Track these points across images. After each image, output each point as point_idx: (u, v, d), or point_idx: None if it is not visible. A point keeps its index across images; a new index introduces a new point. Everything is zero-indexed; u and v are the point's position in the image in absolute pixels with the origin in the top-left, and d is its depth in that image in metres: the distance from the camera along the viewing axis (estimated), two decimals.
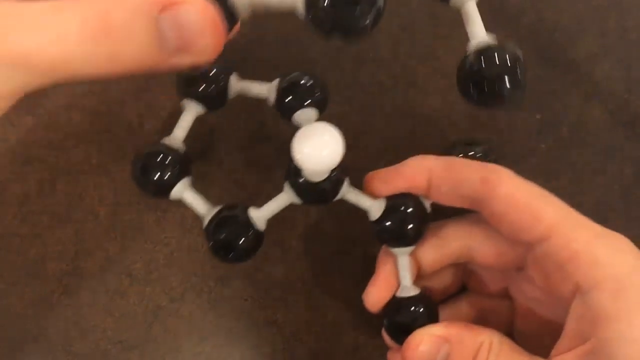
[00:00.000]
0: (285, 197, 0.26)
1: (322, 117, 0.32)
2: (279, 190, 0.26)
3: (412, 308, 0.26)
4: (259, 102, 0.29)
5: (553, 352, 0.24)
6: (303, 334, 0.31)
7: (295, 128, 0.22)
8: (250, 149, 0.32)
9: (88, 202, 0.32)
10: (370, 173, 0.27)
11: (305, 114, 0.27)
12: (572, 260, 0.23)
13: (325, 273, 0.31)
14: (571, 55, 0.33)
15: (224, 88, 0.28)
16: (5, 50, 0.18)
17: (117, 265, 0.31)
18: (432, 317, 0.26)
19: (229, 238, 0.25)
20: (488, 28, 0.25)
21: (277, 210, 0.26)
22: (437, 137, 0.33)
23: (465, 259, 0.27)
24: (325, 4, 0.18)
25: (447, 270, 0.28)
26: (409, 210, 0.26)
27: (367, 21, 0.18)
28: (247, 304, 0.31)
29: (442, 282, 0.29)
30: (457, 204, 0.26)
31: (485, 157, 0.28)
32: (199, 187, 0.30)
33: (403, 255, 0.26)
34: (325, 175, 0.24)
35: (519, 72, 0.22)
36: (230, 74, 0.28)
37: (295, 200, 0.25)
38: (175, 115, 0.28)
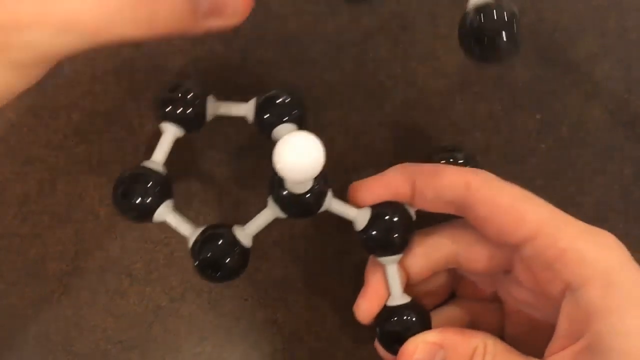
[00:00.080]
0: (269, 212, 0.25)
1: (322, 118, 0.32)
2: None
3: (404, 316, 0.26)
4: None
5: (547, 352, 0.24)
6: (303, 334, 0.31)
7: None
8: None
9: (88, 202, 0.32)
10: (354, 183, 0.27)
11: (284, 130, 0.27)
12: (559, 258, 0.23)
13: (325, 273, 0.31)
14: (571, 55, 0.33)
15: (202, 110, 0.28)
16: (52, 14, 0.19)
17: (117, 265, 0.31)
18: (424, 325, 0.26)
19: (215, 257, 0.25)
20: None
21: (262, 226, 0.26)
22: (437, 137, 0.33)
23: (453, 264, 0.27)
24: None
25: (435, 277, 0.28)
26: (395, 218, 0.26)
27: None
28: (247, 303, 0.31)
29: (431, 289, 0.29)
30: (442, 209, 0.26)
31: (467, 163, 0.28)
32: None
33: (391, 264, 0.26)
34: (309, 186, 0.24)
35: (515, 27, 0.23)
36: (207, 95, 0.28)
37: (280, 214, 0.25)
38: None
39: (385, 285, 0.27)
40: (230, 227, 0.26)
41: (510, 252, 0.25)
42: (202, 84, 0.28)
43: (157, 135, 0.28)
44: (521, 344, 0.24)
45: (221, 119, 0.29)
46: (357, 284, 0.28)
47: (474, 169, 0.26)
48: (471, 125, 0.33)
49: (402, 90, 0.33)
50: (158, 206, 0.26)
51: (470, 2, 0.23)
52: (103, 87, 0.32)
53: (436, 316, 0.28)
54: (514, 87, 0.33)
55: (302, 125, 0.28)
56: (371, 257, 0.28)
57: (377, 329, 0.27)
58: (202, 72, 0.33)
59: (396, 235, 0.26)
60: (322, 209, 0.25)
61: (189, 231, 0.26)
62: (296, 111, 0.28)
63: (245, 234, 0.26)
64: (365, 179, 0.27)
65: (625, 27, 0.33)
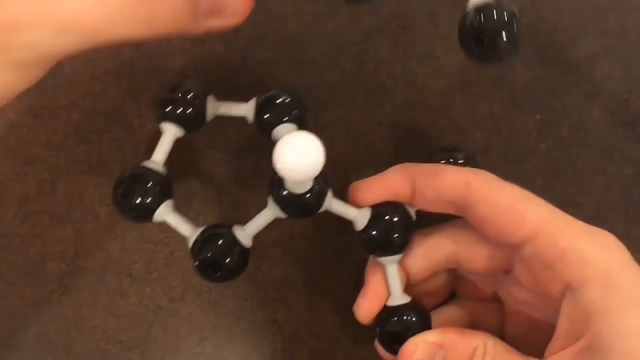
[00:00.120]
0: (269, 212, 0.25)
1: (322, 118, 0.32)
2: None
3: (405, 316, 0.26)
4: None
5: (547, 352, 0.24)
6: (303, 334, 0.31)
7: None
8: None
9: (88, 202, 0.32)
10: (354, 183, 0.27)
11: (284, 130, 0.27)
12: (559, 258, 0.23)
13: (325, 273, 0.31)
14: (571, 55, 0.33)
15: (202, 110, 0.28)
16: (52, 14, 0.19)
17: (117, 265, 0.31)
18: (424, 325, 0.26)
19: (215, 257, 0.25)
20: None
21: (262, 226, 0.26)
22: (437, 137, 0.33)
23: (453, 264, 0.27)
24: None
25: (435, 277, 0.28)
26: (394, 218, 0.26)
27: None
28: (247, 303, 0.31)
29: (431, 289, 0.29)
30: (442, 210, 0.26)
31: (467, 163, 0.28)
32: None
33: (391, 264, 0.26)
34: (309, 186, 0.24)
35: (515, 27, 0.23)
36: (207, 95, 0.28)
37: (280, 214, 0.25)
38: None
39: (385, 285, 0.27)
40: (230, 227, 0.26)
41: (510, 252, 0.25)
42: (202, 84, 0.28)
43: (157, 135, 0.28)
44: (521, 344, 0.24)
45: (221, 119, 0.29)
46: (357, 284, 0.28)
47: (474, 169, 0.26)
48: (471, 125, 0.33)
49: (402, 90, 0.33)
50: (158, 206, 0.26)
51: (470, 2, 0.23)
52: (103, 87, 0.32)
53: (436, 316, 0.28)
54: (514, 87, 0.33)
55: (302, 125, 0.28)
56: (371, 257, 0.28)
57: (377, 329, 0.27)
58: (202, 72, 0.33)
59: (396, 235, 0.26)
60: (322, 209, 0.25)
61: (189, 231, 0.26)
62: (296, 111, 0.28)
63: (245, 234, 0.26)
64: (365, 179, 0.27)
65: (625, 27, 0.33)
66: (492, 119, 0.33)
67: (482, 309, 0.29)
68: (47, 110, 0.32)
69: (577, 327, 0.22)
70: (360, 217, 0.26)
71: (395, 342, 0.26)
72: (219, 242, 0.25)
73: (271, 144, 0.21)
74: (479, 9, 0.23)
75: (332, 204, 0.26)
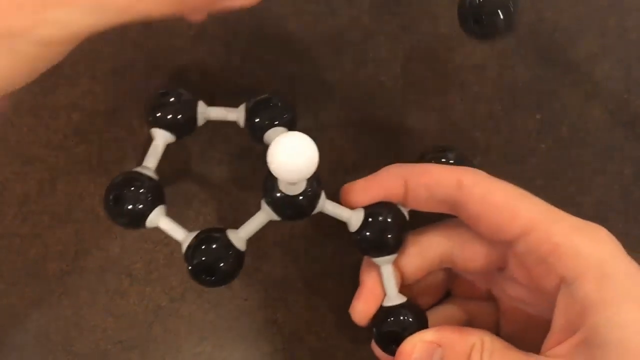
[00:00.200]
0: (263, 215, 0.25)
1: (322, 118, 0.32)
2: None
3: (401, 316, 0.26)
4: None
5: (544, 347, 0.24)
6: (303, 334, 0.31)
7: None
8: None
9: (88, 202, 0.32)
10: (346, 185, 0.27)
11: (275, 133, 0.27)
12: (553, 253, 0.23)
13: (325, 273, 0.31)
14: (571, 55, 0.33)
15: (192, 115, 0.28)
16: None
17: (117, 265, 0.31)
18: (421, 324, 0.26)
19: (209, 261, 0.25)
20: None
21: (256, 229, 0.26)
22: (437, 137, 0.33)
23: (448, 264, 0.27)
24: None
25: (430, 276, 0.28)
26: (388, 219, 0.26)
27: None
28: (247, 303, 0.31)
29: (426, 289, 0.29)
30: (435, 209, 0.26)
31: (458, 163, 0.28)
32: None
33: (386, 265, 0.26)
34: (302, 187, 0.24)
35: (511, 5, 0.25)
36: (198, 100, 0.28)
37: (273, 216, 0.25)
38: None
39: (380, 286, 0.27)
40: (224, 230, 0.26)
41: (504, 249, 0.26)
42: (192, 91, 0.28)
43: None
44: (517, 341, 0.24)
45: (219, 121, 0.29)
46: (356, 284, 0.28)
47: (466, 167, 0.26)
48: (471, 125, 0.33)
49: (402, 90, 0.33)
50: (150, 212, 0.26)
51: None
52: (103, 87, 0.32)
53: (432, 316, 0.28)
54: (514, 87, 0.33)
55: (293, 129, 0.28)
56: (365, 258, 0.28)
57: (374, 330, 0.27)
58: (202, 72, 0.33)
59: (390, 235, 0.26)
60: (316, 210, 0.25)
61: (183, 236, 0.26)
62: (287, 114, 0.28)
63: (239, 237, 0.26)
64: (357, 180, 0.27)
65: (625, 27, 0.33)
66: (492, 119, 0.33)
67: (477, 308, 0.29)
68: (47, 110, 0.32)
69: (573, 320, 0.22)
70: (354, 219, 0.26)
71: (392, 342, 0.26)
72: (213, 246, 0.25)
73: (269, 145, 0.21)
74: None
75: (326, 205, 0.26)
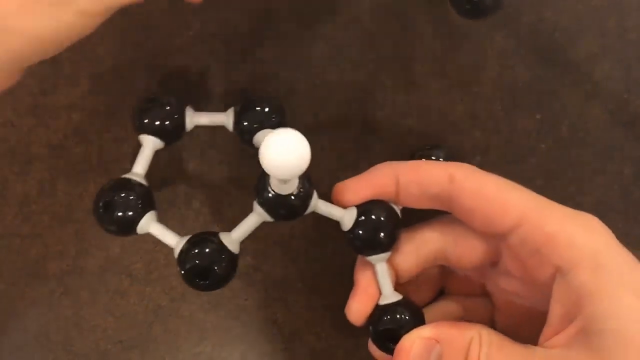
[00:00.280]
0: (255, 217, 0.25)
1: (322, 118, 0.32)
2: None
3: (398, 314, 0.26)
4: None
5: (541, 338, 0.24)
6: (303, 333, 0.31)
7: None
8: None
9: (88, 202, 0.32)
10: (338, 184, 0.27)
11: (264, 135, 0.27)
12: (547, 243, 0.23)
13: (325, 273, 0.31)
14: (571, 55, 0.33)
15: (181, 121, 0.28)
16: None
17: (117, 265, 0.31)
18: (418, 321, 0.26)
19: (202, 265, 0.25)
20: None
21: (249, 231, 0.26)
22: (437, 137, 0.33)
23: (441, 261, 0.27)
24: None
25: (424, 274, 0.28)
26: (381, 216, 0.26)
27: None
28: (246, 303, 0.31)
29: (420, 286, 0.29)
30: (427, 205, 0.26)
31: (449, 161, 0.29)
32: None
33: (380, 263, 0.26)
34: (294, 186, 0.24)
35: None
36: (185, 105, 0.28)
37: (266, 217, 0.25)
38: None
39: (375, 285, 0.27)
40: (216, 234, 0.26)
41: (497, 243, 0.26)
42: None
43: None
44: (513, 334, 0.24)
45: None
46: None
47: (456, 162, 0.26)
48: (471, 125, 0.33)
49: (402, 90, 0.33)
50: (141, 218, 0.26)
51: None
52: (103, 87, 0.32)
53: (428, 313, 0.28)
54: (514, 87, 0.33)
55: None
56: (360, 257, 0.28)
57: (371, 329, 0.27)
58: (202, 71, 0.33)
59: (383, 233, 0.26)
60: (308, 210, 0.25)
61: (174, 241, 0.26)
62: (275, 117, 0.28)
63: (232, 240, 0.25)
64: (349, 179, 0.27)
65: (625, 27, 0.33)
66: (492, 119, 0.33)
67: (472, 304, 0.29)
68: (47, 110, 0.32)
69: (570, 309, 0.23)
70: (346, 218, 0.26)
71: (389, 340, 0.25)
72: (206, 250, 0.25)
73: None
74: None
75: (319, 205, 0.26)
